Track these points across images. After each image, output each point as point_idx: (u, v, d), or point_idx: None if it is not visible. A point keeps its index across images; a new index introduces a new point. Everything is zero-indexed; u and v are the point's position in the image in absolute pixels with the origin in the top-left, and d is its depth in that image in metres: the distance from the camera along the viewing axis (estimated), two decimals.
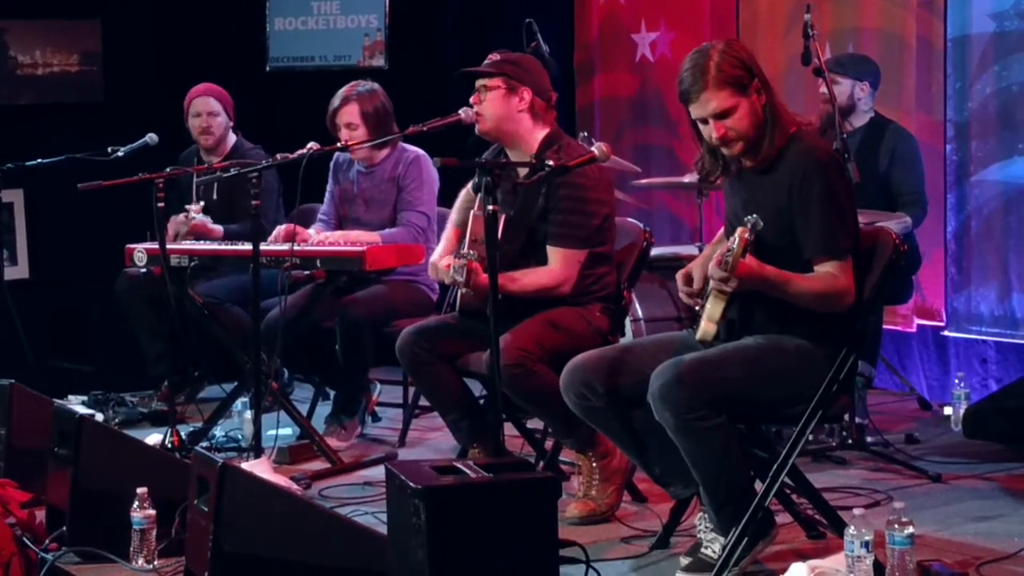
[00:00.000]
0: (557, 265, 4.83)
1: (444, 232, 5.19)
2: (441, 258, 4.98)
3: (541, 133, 4.95)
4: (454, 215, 5.17)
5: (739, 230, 3.81)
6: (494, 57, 5.00)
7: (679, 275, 4.20)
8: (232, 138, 6.67)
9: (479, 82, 4.95)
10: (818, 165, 3.99)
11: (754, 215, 3.82)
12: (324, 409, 6.20)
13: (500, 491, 3.40)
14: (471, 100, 4.96)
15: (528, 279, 4.82)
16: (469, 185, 5.17)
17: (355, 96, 5.96)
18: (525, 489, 3.43)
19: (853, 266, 3.99)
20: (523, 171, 4.83)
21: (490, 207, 4.21)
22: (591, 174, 4.77)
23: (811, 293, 3.94)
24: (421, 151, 6.05)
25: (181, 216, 6.14)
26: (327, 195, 6.25)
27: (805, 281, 3.94)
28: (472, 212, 4.92)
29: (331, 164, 6.23)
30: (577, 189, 4.79)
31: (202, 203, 6.20)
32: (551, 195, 4.82)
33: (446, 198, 5.41)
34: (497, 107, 4.91)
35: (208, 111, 6.60)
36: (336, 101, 5.98)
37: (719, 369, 3.93)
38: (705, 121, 4.04)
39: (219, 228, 6.23)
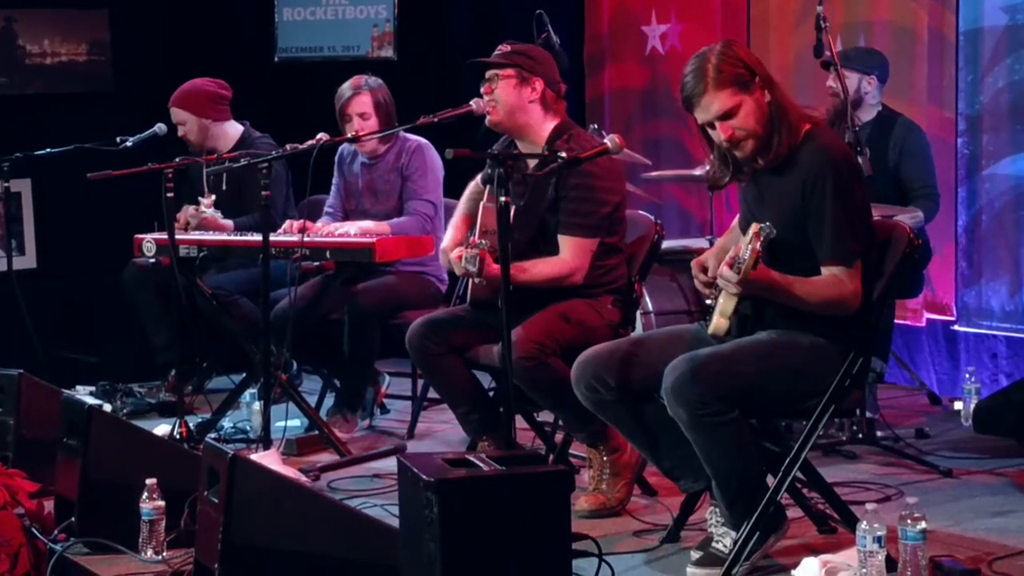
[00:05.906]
0: (568, 254, 4.80)
1: (452, 220, 5.17)
2: (451, 248, 4.96)
3: (551, 124, 4.93)
4: (463, 204, 5.15)
5: (753, 230, 3.78)
6: (504, 48, 4.98)
7: (694, 263, 4.20)
8: (239, 128, 6.59)
9: (490, 72, 4.93)
10: (832, 164, 3.95)
11: (767, 223, 3.79)
12: (333, 401, 6.18)
13: (514, 484, 3.38)
14: (482, 91, 4.93)
15: (538, 269, 4.79)
16: (478, 177, 5.15)
17: (365, 86, 5.97)
18: (539, 482, 3.41)
19: (864, 266, 3.96)
20: (532, 162, 4.81)
21: (503, 199, 4.18)
22: (602, 163, 4.72)
23: (815, 299, 3.92)
24: (423, 139, 6.04)
25: (192, 208, 6.09)
26: (333, 188, 6.23)
27: (810, 286, 3.92)
28: (482, 204, 4.89)
29: (336, 157, 6.22)
30: (587, 177, 4.75)
31: (213, 196, 6.17)
32: (561, 185, 4.78)
33: (454, 190, 5.39)
34: (509, 97, 4.89)
35: (177, 121, 6.47)
36: (347, 92, 5.97)
37: (733, 364, 3.92)
38: (712, 125, 4.02)
39: (229, 223, 6.19)
